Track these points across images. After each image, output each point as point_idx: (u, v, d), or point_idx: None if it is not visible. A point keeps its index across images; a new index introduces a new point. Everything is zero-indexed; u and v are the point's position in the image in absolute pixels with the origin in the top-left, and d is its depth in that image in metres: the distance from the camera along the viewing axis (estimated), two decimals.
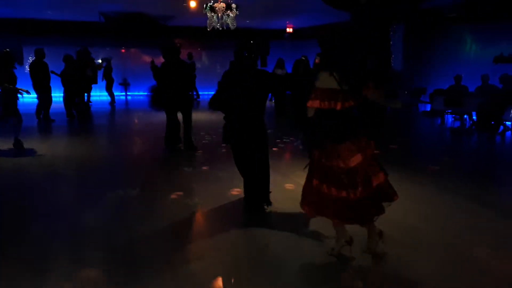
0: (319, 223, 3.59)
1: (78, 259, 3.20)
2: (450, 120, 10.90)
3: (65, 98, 10.45)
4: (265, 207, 4.21)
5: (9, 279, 2.89)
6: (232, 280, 2.88)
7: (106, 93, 14.74)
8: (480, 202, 4.51)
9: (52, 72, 10.27)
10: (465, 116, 10.26)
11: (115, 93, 15.01)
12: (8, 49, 6.93)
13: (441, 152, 7.48)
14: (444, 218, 4.09)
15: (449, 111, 10.43)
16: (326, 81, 2.91)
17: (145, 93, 16.50)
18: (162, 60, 6.73)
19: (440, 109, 10.49)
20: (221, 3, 9.91)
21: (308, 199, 3.19)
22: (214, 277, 2.89)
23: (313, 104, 2.95)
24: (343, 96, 2.86)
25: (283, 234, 3.64)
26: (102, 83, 14.48)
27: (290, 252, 3.31)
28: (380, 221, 3.88)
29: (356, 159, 2.93)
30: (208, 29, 10.44)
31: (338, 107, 2.86)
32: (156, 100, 6.64)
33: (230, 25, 10.32)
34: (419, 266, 3.11)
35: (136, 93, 17.66)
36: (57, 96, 11.33)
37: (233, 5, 9.91)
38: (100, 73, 13.78)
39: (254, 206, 4.20)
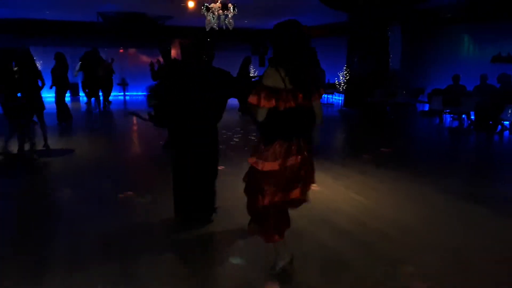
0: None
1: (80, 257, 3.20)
2: (448, 119, 10.93)
3: (56, 98, 9.91)
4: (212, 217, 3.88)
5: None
6: None
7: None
8: (479, 202, 4.52)
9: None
10: (463, 115, 10.29)
11: (114, 93, 14.98)
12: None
13: (439, 152, 7.50)
14: (442, 218, 4.10)
15: (447, 110, 10.46)
16: (272, 78, 2.63)
17: (144, 93, 16.53)
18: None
19: (438, 108, 10.52)
20: (218, 3, 9.89)
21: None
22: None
23: (252, 100, 2.62)
24: (286, 96, 2.61)
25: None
26: None
27: None
28: (378, 220, 3.94)
29: (271, 165, 2.69)
30: (207, 29, 10.43)
31: (281, 107, 2.61)
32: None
33: (228, 25, 10.31)
34: (419, 266, 3.11)
35: (135, 93, 17.66)
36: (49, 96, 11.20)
37: (230, 5, 9.89)
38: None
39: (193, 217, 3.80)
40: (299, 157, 2.74)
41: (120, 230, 3.76)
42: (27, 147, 6.50)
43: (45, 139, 6.93)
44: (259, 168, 2.72)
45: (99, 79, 12.38)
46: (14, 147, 6.53)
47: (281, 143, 2.69)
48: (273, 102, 2.59)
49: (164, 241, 3.54)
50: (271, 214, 2.79)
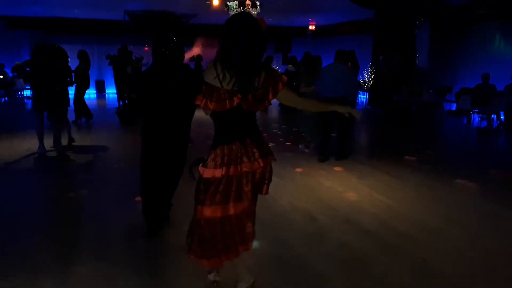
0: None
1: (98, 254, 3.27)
2: (476, 120, 10.63)
3: (76, 96, 9.81)
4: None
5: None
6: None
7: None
8: (507, 205, 4.39)
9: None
10: (492, 115, 9.99)
11: None
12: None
13: (467, 153, 7.31)
14: (470, 221, 3.99)
15: (476, 110, 10.17)
16: (210, 75, 2.37)
17: None
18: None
19: (467, 108, 10.24)
20: (247, 0, 9.91)
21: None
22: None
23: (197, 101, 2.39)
24: (222, 97, 2.33)
25: None
26: None
27: None
28: (403, 221, 3.88)
29: (212, 172, 2.39)
30: None
31: (217, 109, 2.35)
32: None
33: None
34: (445, 269, 3.05)
35: None
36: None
37: (257, 2, 9.90)
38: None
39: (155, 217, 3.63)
40: (244, 165, 2.38)
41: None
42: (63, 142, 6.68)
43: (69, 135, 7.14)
44: (201, 173, 2.44)
45: (127, 76, 12.53)
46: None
47: (223, 148, 2.39)
48: (205, 101, 2.34)
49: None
50: (201, 230, 2.44)
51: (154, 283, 2.84)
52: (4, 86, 13.51)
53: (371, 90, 13.32)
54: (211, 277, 2.81)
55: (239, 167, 2.37)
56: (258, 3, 10.02)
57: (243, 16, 2.33)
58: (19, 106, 13.46)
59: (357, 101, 13.84)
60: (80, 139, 7.58)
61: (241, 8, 10.23)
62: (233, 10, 10.30)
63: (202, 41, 17.55)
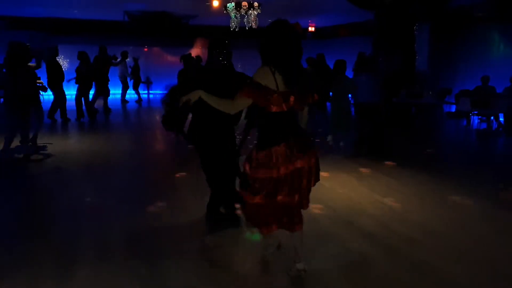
0: None
1: (100, 251, 3.26)
2: (476, 121, 10.64)
3: (77, 96, 10.11)
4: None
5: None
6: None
7: (133, 92, 15.05)
8: (509, 208, 4.39)
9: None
10: (492, 117, 10.00)
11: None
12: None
13: (468, 155, 7.31)
14: (471, 224, 3.98)
15: (475, 112, 10.17)
16: (265, 77, 2.52)
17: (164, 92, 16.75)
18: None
19: (466, 110, 10.23)
20: (243, 2, 9.92)
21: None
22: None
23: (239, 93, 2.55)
24: (277, 99, 2.52)
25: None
26: (129, 82, 14.79)
27: None
28: (404, 224, 3.87)
29: (263, 172, 2.62)
30: (231, 29, 10.46)
31: (272, 109, 2.54)
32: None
33: (252, 24, 10.31)
34: (447, 272, 3.04)
35: (159, 92, 17.86)
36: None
37: (256, 4, 9.90)
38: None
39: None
40: (292, 164, 2.59)
41: (147, 229, 3.81)
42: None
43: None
44: (252, 175, 2.64)
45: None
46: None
47: (276, 149, 2.57)
48: (259, 99, 2.50)
49: (191, 241, 3.56)
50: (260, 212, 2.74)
51: (155, 284, 2.83)
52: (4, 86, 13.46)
53: None
54: (269, 249, 3.10)
55: (290, 166, 2.56)
56: (256, 4, 10.01)
57: (285, 22, 2.55)
58: None
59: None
60: (80, 139, 7.58)
61: (238, 9, 10.22)
62: (231, 12, 10.29)
63: (202, 42, 17.55)
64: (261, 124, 2.65)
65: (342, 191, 4.84)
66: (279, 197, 2.61)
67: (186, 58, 8.74)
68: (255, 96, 2.50)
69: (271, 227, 2.80)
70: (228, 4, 10.17)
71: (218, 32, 15.72)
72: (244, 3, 10.01)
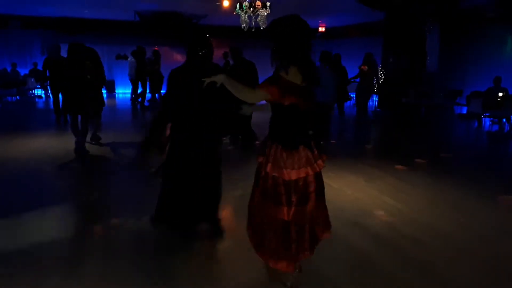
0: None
1: (107, 251, 3.29)
2: (487, 123, 10.51)
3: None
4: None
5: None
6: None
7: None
8: None
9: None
10: (504, 119, 9.87)
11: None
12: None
13: (478, 157, 7.23)
14: (479, 225, 3.94)
15: (487, 114, 10.06)
16: (293, 75, 2.45)
17: None
18: None
19: (478, 112, 10.12)
20: (257, 1, 9.90)
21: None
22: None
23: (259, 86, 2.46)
24: (306, 95, 2.47)
25: None
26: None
27: None
28: (411, 225, 3.84)
29: (300, 172, 2.49)
30: (244, 29, 10.45)
31: (302, 106, 2.46)
32: None
33: (261, 24, 10.30)
34: (453, 273, 3.01)
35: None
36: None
37: (268, 3, 9.89)
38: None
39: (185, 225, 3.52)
40: (314, 166, 2.53)
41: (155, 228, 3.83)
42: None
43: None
44: (285, 177, 2.47)
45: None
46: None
47: (304, 148, 2.50)
48: (291, 96, 2.39)
49: (198, 241, 3.57)
50: (288, 231, 2.52)
51: (162, 284, 2.84)
52: (16, 85, 13.67)
53: (380, 93, 13.23)
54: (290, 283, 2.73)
55: (311, 168, 2.50)
56: (268, 4, 10.00)
57: (298, 18, 2.48)
58: (30, 105, 13.60)
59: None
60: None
61: (251, 9, 10.21)
62: (244, 12, 10.28)
63: (211, 41, 17.58)
64: (280, 121, 2.51)
65: (350, 192, 4.82)
66: (310, 205, 2.53)
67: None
68: (277, 89, 2.38)
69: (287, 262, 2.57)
70: (236, 9, 10.18)
71: (224, 32, 15.79)
72: (258, 3, 10.00)
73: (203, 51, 3.25)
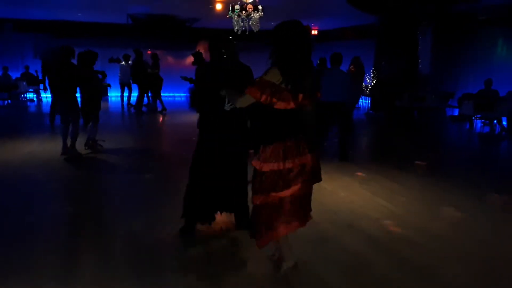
0: None
1: (104, 253, 3.27)
2: (479, 125, 10.62)
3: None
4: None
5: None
6: None
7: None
8: (509, 210, 4.37)
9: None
10: (495, 121, 9.98)
11: (134, 94, 15.07)
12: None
13: (471, 159, 7.29)
14: (473, 227, 3.97)
15: (478, 116, 10.16)
16: (274, 76, 2.59)
17: (169, 94, 16.76)
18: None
19: (469, 114, 10.22)
20: (248, 5, 9.93)
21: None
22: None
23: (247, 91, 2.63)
24: (286, 96, 2.59)
25: None
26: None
27: None
28: (405, 227, 3.86)
29: (270, 166, 2.68)
30: (235, 31, 10.47)
31: (281, 106, 2.60)
32: None
33: (253, 27, 10.32)
34: (447, 275, 3.03)
35: (162, 94, 17.87)
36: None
37: (259, 7, 9.92)
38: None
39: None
40: (298, 159, 2.68)
41: (151, 236, 3.82)
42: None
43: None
44: (258, 168, 2.73)
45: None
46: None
47: (278, 144, 2.67)
48: (266, 95, 2.55)
49: (194, 248, 3.57)
50: (262, 213, 2.77)
51: (157, 285, 2.83)
52: (8, 88, 13.54)
53: (372, 95, 13.31)
54: (284, 266, 2.94)
55: (295, 160, 2.65)
56: (260, 7, 10.02)
57: (297, 23, 2.62)
58: (22, 108, 13.49)
59: (358, 106, 13.82)
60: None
61: (243, 12, 10.23)
62: (236, 15, 10.31)
63: (205, 44, 17.61)
64: (267, 122, 2.71)
65: (344, 194, 4.83)
66: (294, 187, 2.68)
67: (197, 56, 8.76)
68: (264, 92, 2.55)
69: (279, 231, 2.79)
70: (229, 12, 10.21)
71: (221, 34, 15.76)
72: (250, 6, 10.03)
73: (227, 53, 3.41)
